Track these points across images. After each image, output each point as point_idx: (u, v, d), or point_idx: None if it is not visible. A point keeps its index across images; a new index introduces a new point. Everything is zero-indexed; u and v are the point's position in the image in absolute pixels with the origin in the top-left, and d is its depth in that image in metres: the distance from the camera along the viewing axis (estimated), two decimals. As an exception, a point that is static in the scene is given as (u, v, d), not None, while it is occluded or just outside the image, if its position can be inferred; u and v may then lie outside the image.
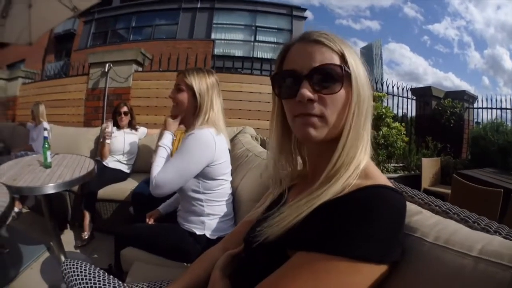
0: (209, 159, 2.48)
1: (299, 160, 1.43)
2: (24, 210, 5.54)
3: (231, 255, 1.38)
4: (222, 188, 2.67)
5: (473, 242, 0.97)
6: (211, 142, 2.47)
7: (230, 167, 2.79)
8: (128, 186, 4.80)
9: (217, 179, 2.60)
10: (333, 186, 1.04)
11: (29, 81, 9.78)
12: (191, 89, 2.60)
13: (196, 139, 2.44)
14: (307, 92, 1.10)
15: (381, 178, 1.08)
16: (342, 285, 0.90)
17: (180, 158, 2.38)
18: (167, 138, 2.65)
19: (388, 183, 1.06)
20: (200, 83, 2.60)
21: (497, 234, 1.13)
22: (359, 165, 1.09)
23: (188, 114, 2.65)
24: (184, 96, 2.62)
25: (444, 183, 7.76)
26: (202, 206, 2.58)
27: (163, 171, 2.39)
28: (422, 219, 1.15)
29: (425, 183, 7.63)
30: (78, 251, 4.34)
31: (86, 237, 4.53)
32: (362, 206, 0.93)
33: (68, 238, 4.62)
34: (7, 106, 9.74)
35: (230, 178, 2.80)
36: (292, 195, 1.35)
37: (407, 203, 1.13)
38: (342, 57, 1.12)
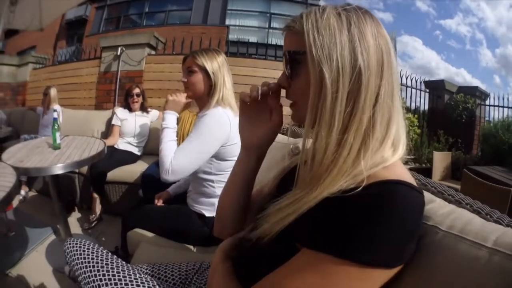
0: (224, 139, 2.46)
1: None
2: (32, 193, 5.57)
3: (238, 238, 1.35)
4: None
5: (488, 232, 0.95)
6: (226, 121, 2.46)
7: None
8: (138, 168, 4.79)
9: (229, 160, 2.58)
10: (322, 190, 0.97)
11: (40, 66, 9.80)
12: (203, 70, 2.58)
13: (210, 119, 2.42)
14: (279, 79, 1.16)
15: (402, 173, 0.99)
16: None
17: (196, 140, 2.35)
18: (172, 120, 2.63)
19: (410, 179, 0.97)
20: (211, 62, 2.58)
21: (510, 228, 1.09)
22: (362, 166, 0.97)
23: (203, 94, 2.63)
24: (198, 78, 2.59)
25: (454, 178, 7.68)
26: (214, 187, 2.58)
27: (180, 156, 2.36)
28: (435, 207, 1.12)
29: (436, 177, 7.56)
30: (85, 234, 4.34)
31: (94, 219, 4.55)
32: (376, 206, 0.88)
33: (76, 221, 4.66)
34: (17, 92, 9.80)
35: None
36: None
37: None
38: (303, 38, 1.03)
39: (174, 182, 2.99)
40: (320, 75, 0.98)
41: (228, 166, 2.58)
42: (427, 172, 7.80)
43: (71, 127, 5.67)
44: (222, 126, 2.43)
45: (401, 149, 1.07)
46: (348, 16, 1.00)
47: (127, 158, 5.13)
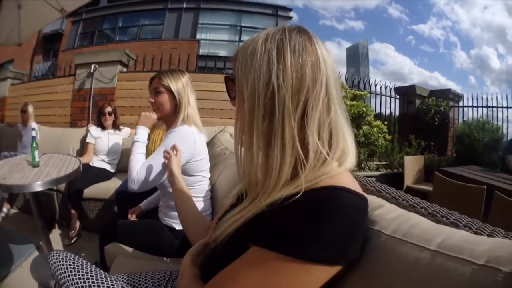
0: (189, 155, 2.60)
1: None
2: (13, 211, 5.57)
3: (202, 244, 1.44)
4: (201, 185, 2.79)
5: (433, 235, 0.99)
6: (191, 139, 2.61)
7: (208, 164, 2.91)
8: (113, 185, 4.88)
9: (195, 175, 2.72)
10: (265, 200, 1.06)
11: (18, 82, 9.78)
12: (169, 90, 2.73)
13: (177, 136, 2.56)
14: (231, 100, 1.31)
15: (346, 181, 1.05)
16: (294, 284, 0.94)
17: (162, 156, 2.42)
18: (143, 134, 2.76)
19: (350, 185, 1.03)
20: (176, 82, 2.74)
21: (467, 228, 1.17)
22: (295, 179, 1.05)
23: (170, 113, 2.78)
24: (164, 98, 2.74)
25: (428, 181, 7.64)
26: None
27: (145, 168, 2.49)
28: (383, 212, 1.17)
29: (408, 181, 7.62)
30: (65, 250, 4.27)
31: (74, 235, 4.62)
32: (316, 208, 0.95)
33: (56, 237, 4.69)
34: (-4, 108, 9.68)
35: (208, 175, 2.92)
36: None
37: (370, 196, 1.19)
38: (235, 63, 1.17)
39: (147, 196, 3.13)
40: (241, 95, 1.12)
41: (195, 181, 2.73)
42: (399, 177, 7.93)
43: (47, 145, 5.67)
44: (188, 142, 2.57)
45: (349, 162, 1.13)
46: (273, 38, 1.10)
47: (102, 175, 5.21)
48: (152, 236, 2.74)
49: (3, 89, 9.63)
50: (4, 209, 5.25)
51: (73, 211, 4.71)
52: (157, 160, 2.50)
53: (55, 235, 4.75)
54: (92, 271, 1.61)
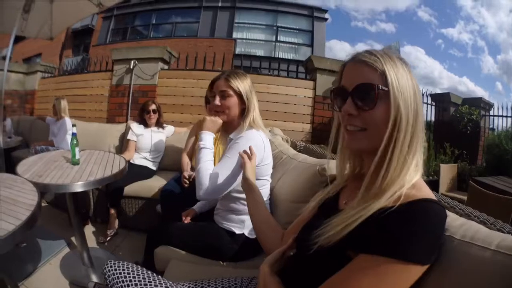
0: (258, 160, 2.51)
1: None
2: (43, 205, 5.53)
3: (280, 252, 1.48)
4: (264, 189, 2.73)
5: (492, 238, 1.17)
6: (261, 144, 2.54)
7: (272, 169, 2.83)
8: (155, 183, 4.82)
9: (261, 179, 2.65)
10: (378, 201, 1.19)
11: (48, 75, 9.85)
12: (238, 93, 2.64)
13: (247, 140, 2.49)
14: (347, 107, 1.29)
15: (428, 192, 1.23)
16: (397, 283, 1.08)
17: (232, 162, 2.41)
18: (210, 140, 2.65)
19: (434, 197, 1.19)
20: (244, 85, 2.66)
21: (510, 234, 1.32)
22: (406, 182, 1.22)
23: (236, 117, 2.71)
24: (233, 101, 2.66)
25: (460, 189, 7.80)
26: (244, 205, 2.59)
27: (216, 176, 2.42)
28: (450, 220, 1.29)
29: (443, 188, 7.63)
30: (100, 247, 4.33)
31: (112, 234, 4.58)
32: (417, 218, 1.10)
33: (89, 234, 4.64)
34: (25, 100, 9.83)
35: (271, 180, 2.84)
36: (344, 197, 1.52)
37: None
38: (383, 76, 1.24)
39: (190, 195, 2.94)
40: (398, 109, 1.24)
41: (260, 185, 2.60)
42: (434, 184, 7.85)
43: (83, 140, 5.41)
44: (258, 147, 2.48)
45: (421, 168, 1.30)
46: (403, 62, 1.32)
47: (143, 173, 5.15)
48: (210, 239, 2.68)
49: (33, 82, 9.77)
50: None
51: (112, 210, 4.68)
52: (228, 168, 2.44)
53: (88, 232, 4.69)
54: (155, 280, 1.65)
